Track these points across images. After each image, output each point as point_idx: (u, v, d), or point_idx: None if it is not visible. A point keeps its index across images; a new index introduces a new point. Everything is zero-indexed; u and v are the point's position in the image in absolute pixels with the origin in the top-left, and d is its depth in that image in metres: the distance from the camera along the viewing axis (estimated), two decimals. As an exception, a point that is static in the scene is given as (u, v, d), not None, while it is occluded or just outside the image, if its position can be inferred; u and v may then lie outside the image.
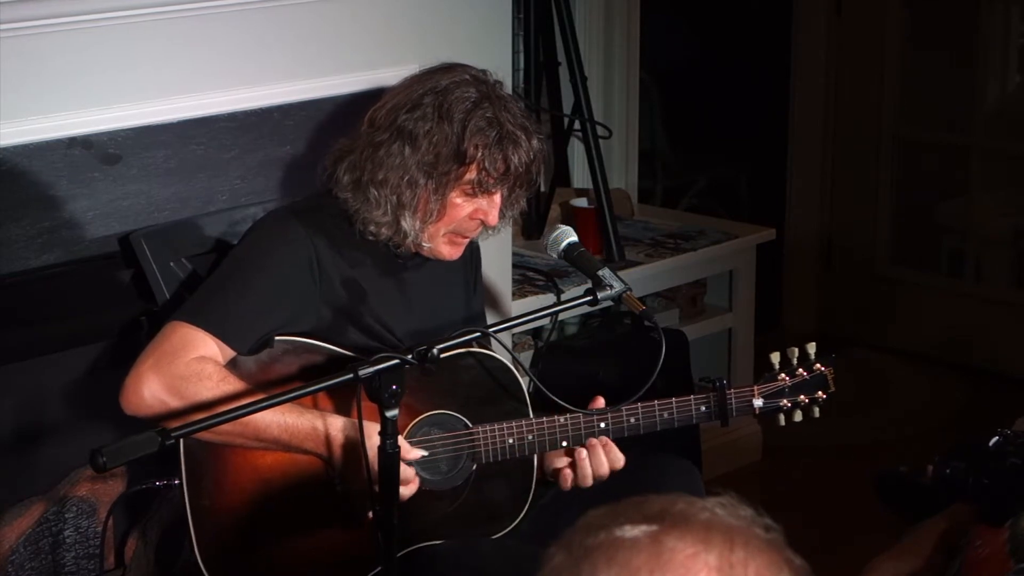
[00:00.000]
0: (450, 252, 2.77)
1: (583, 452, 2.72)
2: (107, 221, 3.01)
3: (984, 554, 2.65)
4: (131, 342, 3.04)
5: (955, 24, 5.32)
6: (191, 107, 3.08)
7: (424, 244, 2.74)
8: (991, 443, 2.79)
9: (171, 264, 2.96)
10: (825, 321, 5.54)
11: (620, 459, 2.73)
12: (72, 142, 2.94)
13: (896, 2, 5.38)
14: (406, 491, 2.55)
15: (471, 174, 2.67)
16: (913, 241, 5.56)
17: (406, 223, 2.69)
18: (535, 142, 2.72)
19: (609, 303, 3.01)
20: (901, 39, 5.40)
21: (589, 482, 2.72)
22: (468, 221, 2.73)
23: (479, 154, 2.65)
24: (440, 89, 2.68)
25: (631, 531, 1.22)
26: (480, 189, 2.69)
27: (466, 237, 2.77)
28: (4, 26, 2.78)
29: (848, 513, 4.17)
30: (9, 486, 3.00)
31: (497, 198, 2.72)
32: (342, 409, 2.62)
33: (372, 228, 2.71)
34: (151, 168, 3.06)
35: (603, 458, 2.71)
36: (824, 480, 4.52)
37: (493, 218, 2.73)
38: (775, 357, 2.81)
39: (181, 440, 2.57)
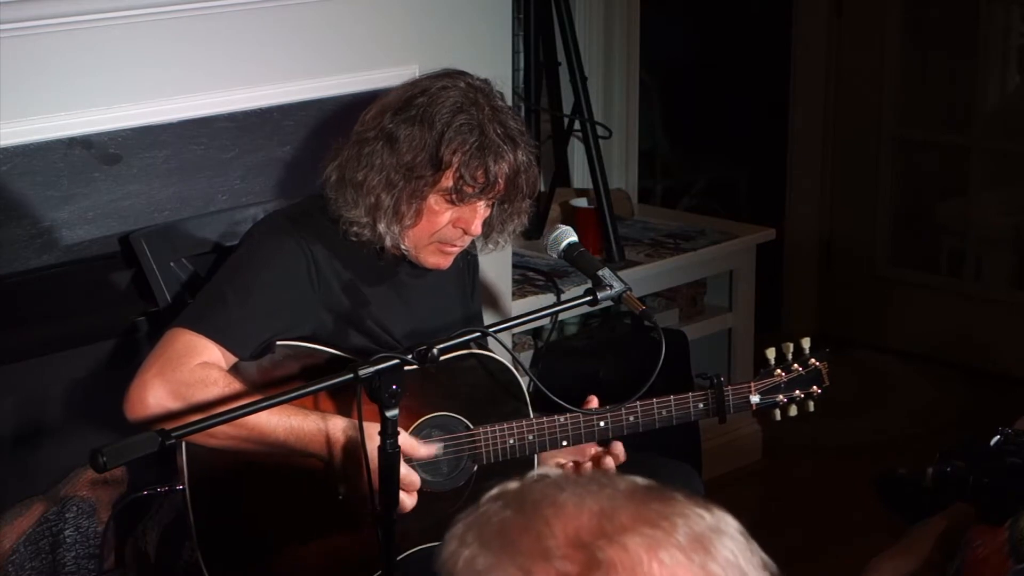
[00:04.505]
0: (435, 261, 2.74)
1: (589, 466, 2.74)
2: (107, 221, 3.01)
3: (984, 554, 2.65)
4: (131, 342, 3.04)
5: (955, 24, 5.32)
6: (191, 107, 3.08)
7: (406, 249, 2.71)
8: (991, 443, 2.79)
9: (171, 264, 2.97)
10: (825, 321, 5.54)
11: (621, 454, 2.76)
12: (72, 142, 2.94)
13: (896, 2, 5.38)
14: (409, 501, 2.55)
15: (448, 181, 2.64)
16: (913, 241, 5.56)
17: (382, 226, 2.66)
18: (521, 155, 2.68)
19: (609, 303, 3.01)
20: (901, 39, 5.41)
21: None
22: (451, 230, 2.69)
23: (456, 161, 2.62)
24: (429, 93, 2.66)
25: None
26: (459, 197, 2.65)
27: (453, 246, 2.73)
28: (4, 26, 2.78)
29: (848, 513, 4.17)
30: (9, 486, 3.00)
31: (480, 208, 2.68)
32: (344, 411, 2.62)
33: (355, 229, 2.70)
34: (151, 168, 3.06)
35: (612, 465, 2.74)
36: (824, 480, 4.52)
37: (476, 228, 2.69)
38: (771, 353, 2.84)
39: (184, 445, 2.57)
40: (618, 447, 2.78)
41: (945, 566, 2.76)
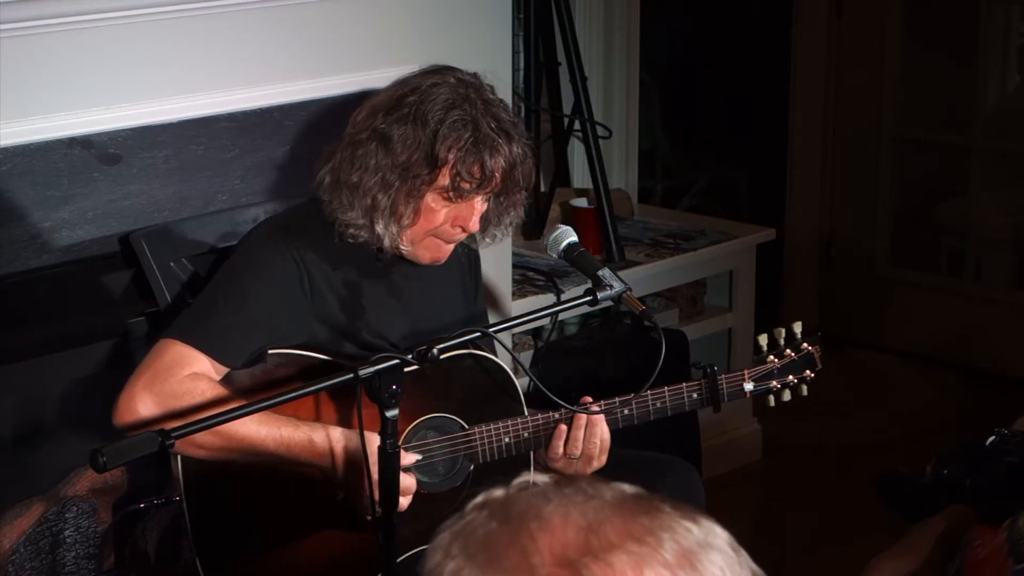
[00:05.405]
0: (430, 257, 2.73)
1: (582, 418, 2.70)
2: (107, 221, 3.01)
3: (983, 554, 2.65)
4: (131, 343, 3.04)
5: (955, 24, 5.32)
6: (191, 107, 3.08)
7: (404, 248, 2.71)
8: (988, 443, 2.80)
9: (171, 264, 2.96)
10: (825, 321, 5.53)
11: (607, 435, 2.73)
12: (72, 142, 2.94)
13: (896, 2, 5.38)
14: (403, 501, 2.54)
15: (445, 179, 2.63)
16: (913, 241, 5.56)
17: (380, 226, 2.65)
18: (516, 148, 2.66)
19: (609, 303, 3.01)
20: (901, 39, 5.40)
21: (579, 449, 2.70)
22: (449, 228, 2.69)
23: (452, 158, 2.61)
24: (420, 91, 2.65)
25: None
26: (456, 194, 2.64)
27: (449, 243, 2.73)
28: (4, 26, 2.79)
29: (848, 513, 4.17)
30: (9, 486, 3.00)
31: (477, 204, 2.67)
32: (342, 413, 2.61)
33: (351, 231, 2.68)
34: (151, 168, 3.06)
35: (596, 437, 2.71)
36: (824, 480, 4.52)
37: (474, 224, 2.68)
38: (763, 339, 2.84)
39: (179, 457, 2.57)
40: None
41: (945, 566, 2.77)
